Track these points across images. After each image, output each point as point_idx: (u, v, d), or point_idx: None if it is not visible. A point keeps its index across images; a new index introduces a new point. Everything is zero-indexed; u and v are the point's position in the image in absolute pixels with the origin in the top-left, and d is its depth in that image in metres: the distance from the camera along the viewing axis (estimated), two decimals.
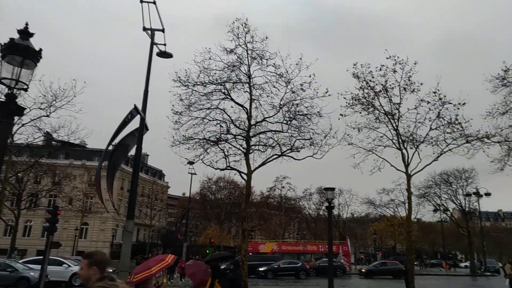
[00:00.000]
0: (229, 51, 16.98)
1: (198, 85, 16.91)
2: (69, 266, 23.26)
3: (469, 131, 16.57)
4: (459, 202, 48.59)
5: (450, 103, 16.22)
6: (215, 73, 16.95)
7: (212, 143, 17.17)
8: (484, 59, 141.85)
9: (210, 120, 17.19)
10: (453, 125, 16.31)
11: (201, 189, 58.45)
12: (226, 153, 17.32)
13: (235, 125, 17.29)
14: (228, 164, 17.35)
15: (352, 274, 39.68)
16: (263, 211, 57.00)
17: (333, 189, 18.03)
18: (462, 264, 65.36)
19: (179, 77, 16.73)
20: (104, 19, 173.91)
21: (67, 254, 40.98)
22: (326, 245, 30.57)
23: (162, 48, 12.69)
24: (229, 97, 17.19)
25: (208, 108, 17.13)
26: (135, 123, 11.21)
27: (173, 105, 16.95)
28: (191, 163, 23.56)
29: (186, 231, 46.03)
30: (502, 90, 19.01)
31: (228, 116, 17.23)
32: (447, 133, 16.56)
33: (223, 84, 17.08)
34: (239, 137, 17.33)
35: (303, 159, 17.65)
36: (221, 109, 17.22)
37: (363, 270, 38.18)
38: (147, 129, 11.82)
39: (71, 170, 47.22)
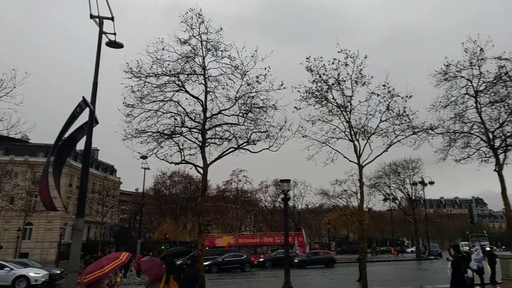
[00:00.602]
0: (183, 42, 16.55)
1: (151, 76, 16.35)
2: (12, 269, 21.89)
3: (416, 122, 17.30)
4: (406, 191, 51.38)
5: (399, 96, 16.82)
6: (168, 64, 16.46)
7: (166, 137, 16.70)
8: (428, 53, 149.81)
9: (164, 113, 16.69)
10: (401, 117, 16.94)
11: (155, 184, 57.31)
12: (181, 147, 16.93)
13: (190, 117, 16.93)
14: (183, 158, 16.98)
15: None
16: (219, 205, 56.88)
17: (288, 180, 18.23)
18: (409, 250, 69.22)
19: (131, 68, 16.08)
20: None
21: (9, 257, 38.49)
22: (282, 236, 31.05)
23: (112, 37, 12.15)
24: (184, 89, 16.78)
25: (162, 101, 16.63)
26: (85, 117, 10.74)
27: (124, 97, 16.29)
28: (144, 157, 22.92)
29: (140, 227, 44.91)
30: (444, 84, 20.16)
31: (183, 108, 16.84)
32: (396, 124, 17.17)
33: (177, 75, 16.63)
34: (195, 130, 17.00)
35: (259, 151, 17.64)
36: (175, 101, 16.78)
37: (295, 261, 36.75)
38: (97, 123, 11.32)
39: (12, 167, 44.36)
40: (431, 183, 47.13)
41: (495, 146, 19.37)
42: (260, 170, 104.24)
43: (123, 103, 16.24)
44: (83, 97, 10.67)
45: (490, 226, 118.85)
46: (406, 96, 16.80)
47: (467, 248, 35.52)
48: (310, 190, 68.72)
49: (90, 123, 10.82)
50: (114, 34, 12.03)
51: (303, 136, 17.78)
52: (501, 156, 19.46)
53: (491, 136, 19.46)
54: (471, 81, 19.60)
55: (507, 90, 19.10)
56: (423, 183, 47.62)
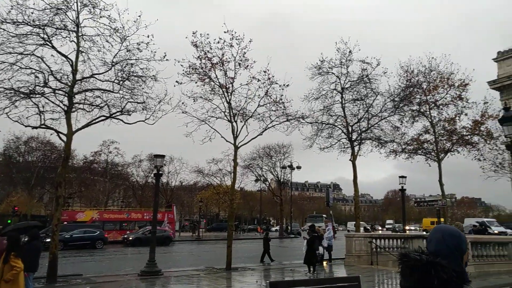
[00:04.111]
0: None
1: (8, 23, 13.95)
2: None
3: (290, 110, 18.49)
4: (276, 173, 54.82)
5: (277, 83, 17.68)
6: (32, 13, 14.25)
7: (23, 95, 14.50)
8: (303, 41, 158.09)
9: (22, 68, 14.46)
10: (278, 103, 17.88)
11: (5, 149, 49.58)
12: (41, 109, 14.89)
13: (55, 77, 14.98)
14: (43, 122, 15.01)
15: (176, 241, 40.61)
16: (85, 177, 52.57)
17: (163, 156, 17.74)
18: (274, 229, 74.62)
19: None
20: None
21: None
22: (152, 212, 30.27)
23: None
24: (50, 44, 14.73)
25: (21, 53, 14.34)
26: None
27: None
28: None
29: None
30: (317, 78, 21.96)
31: (47, 66, 14.78)
32: (272, 110, 18.09)
33: (42, 27, 14.51)
34: (60, 92, 15.12)
35: (134, 123, 16.69)
36: (38, 56, 14.61)
37: (130, 238, 34.26)
38: None
39: None
40: (298, 167, 51.40)
41: (352, 139, 21.94)
42: (135, 143, 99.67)
43: None
44: None
45: (342, 208, 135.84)
46: (284, 85, 17.74)
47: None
48: (186, 167, 68.33)
49: None
50: None
51: (183, 112, 17.48)
52: (356, 148, 22.17)
53: (350, 129, 21.97)
54: (340, 79, 21.73)
55: (366, 91, 21.74)
56: (291, 167, 51.56)
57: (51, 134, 15.57)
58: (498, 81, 46.10)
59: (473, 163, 23.26)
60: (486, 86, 44.37)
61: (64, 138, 15.07)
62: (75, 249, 29.67)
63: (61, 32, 15.02)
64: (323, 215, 57.11)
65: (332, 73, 21.79)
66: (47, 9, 14.47)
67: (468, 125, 22.98)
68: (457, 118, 22.97)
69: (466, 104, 22.57)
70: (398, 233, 34.16)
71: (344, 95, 21.94)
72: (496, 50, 42.41)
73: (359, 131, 22.23)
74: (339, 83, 21.84)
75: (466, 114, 22.78)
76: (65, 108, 15.01)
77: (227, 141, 17.86)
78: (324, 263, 19.16)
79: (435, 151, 23.21)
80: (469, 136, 22.98)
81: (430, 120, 23.22)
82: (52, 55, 14.89)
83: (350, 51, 20.80)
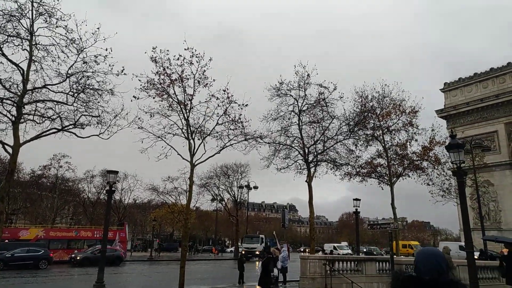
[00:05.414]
0: None
1: None
2: None
3: (248, 130, 18.57)
4: (233, 193, 54.54)
5: (236, 103, 17.77)
6: None
7: None
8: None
9: None
10: (236, 123, 17.92)
11: None
12: None
13: (3, 86, 14.26)
14: None
15: (127, 261, 39.00)
16: (31, 192, 49.62)
17: (116, 172, 17.22)
18: (229, 250, 73.61)
19: None
20: None
21: None
22: (102, 230, 29.00)
23: None
24: (0, 52, 14.08)
25: None
26: None
27: None
28: None
29: None
30: (276, 99, 22.40)
31: None
32: (231, 129, 18.07)
33: None
34: (8, 101, 14.39)
35: (87, 137, 16.07)
36: None
37: (77, 258, 32.58)
38: None
39: None
40: (255, 187, 51.49)
41: (309, 160, 22.37)
42: (88, 158, 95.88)
43: None
44: None
45: (298, 230, 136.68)
46: (243, 104, 17.88)
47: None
48: (140, 184, 66.51)
49: None
50: None
51: (139, 128, 17.06)
52: (312, 170, 22.60)
53: (306, 151, 22.42)
54: (297, 101, 22.27)
55: (322, 114, 22.38)
56: (248, 187, 51.54)
57: None
58: (445, 111, 49.35)
59: (423, 187, 24.47)
60: (434, 114, 47.30)
61: (10, 150, 14.24)
62: (16, 269, 27.66)
63: (13, 40, 14.40)
64: (261, 236, 56.18)
65: (290, 95, 22.30)
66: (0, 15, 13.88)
67: (418, 150, 24.24)
68: (408, 143, 24.19)
69: (416, 130, 23.91)
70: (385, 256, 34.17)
71: (301, 117, 22.43)
72: (443, 81, 45.31)
73: (315, 153, 22.72)
74: (296, 105, 22.36)
75: (416, 140, 24.08)
76: (13, 119, 14.25)
77: (183, 158, 17.58)
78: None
79: (388, 175, 24.15)
80: (418, 161, 24.19)
81: (383, 144, 24.23)
82: (1, 63, 14.22)
83: (308, 75, 21.45)
